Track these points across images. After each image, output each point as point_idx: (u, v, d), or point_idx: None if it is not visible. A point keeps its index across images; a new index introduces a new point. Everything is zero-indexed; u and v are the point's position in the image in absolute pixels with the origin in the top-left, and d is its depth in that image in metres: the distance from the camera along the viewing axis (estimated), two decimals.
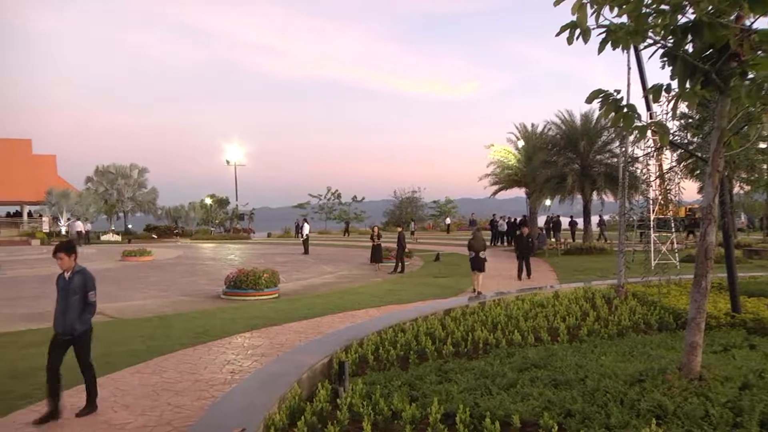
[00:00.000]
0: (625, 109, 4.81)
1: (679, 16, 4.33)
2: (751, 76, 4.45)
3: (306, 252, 31.91)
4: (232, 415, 5.08)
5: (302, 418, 4.93)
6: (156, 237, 53.23)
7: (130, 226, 62.53)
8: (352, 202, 68.41)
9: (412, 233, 45.74)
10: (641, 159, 15.09)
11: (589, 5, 4.34)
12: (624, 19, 4.46)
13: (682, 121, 13.33)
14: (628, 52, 12.04)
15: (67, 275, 6.40)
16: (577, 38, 4.47)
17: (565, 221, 39.51)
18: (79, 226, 46.84)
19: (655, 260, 17.93)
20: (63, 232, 53.17)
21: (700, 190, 19.84)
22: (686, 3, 4.28)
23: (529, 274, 18.86)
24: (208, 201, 67.07)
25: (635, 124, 4.85)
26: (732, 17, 4.32)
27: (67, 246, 6.48)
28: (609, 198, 31.47)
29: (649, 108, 14.57)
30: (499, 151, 36.45)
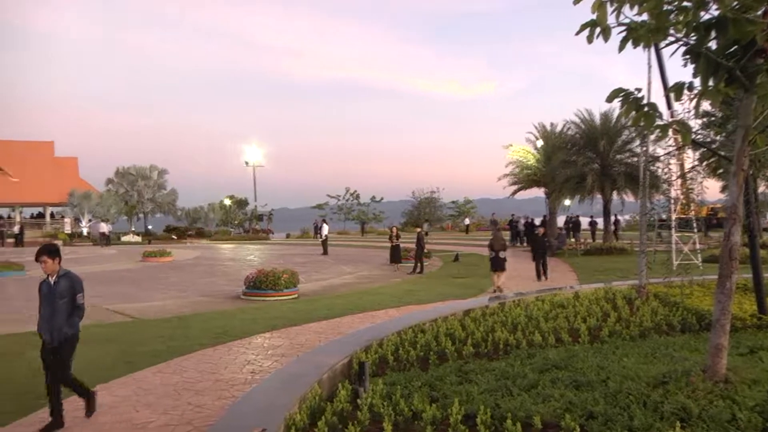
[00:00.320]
0: (646, 108, 4.76)
1: (702, 13, 4.27)
2: None
3: (325, 252, 31.97)
4: (252, 415, 5.10)
5: (323, 418, 4.93)
6: (176, 238, 53.66)
7: (150, 227, 63.06)
8: (371, 203, 68.46)
9: (426, 234, 45.59)
10: (662, 158, 14.94)
11: (609, 3, 4.30)
12: (645, 16, 4.41)
13: (705, 119, 13.16)
14: (648, 50, 11.92)
15: (52, 280, 6.07)
16: (597, 37, 4.42)
17: (584, 221, 39.21)
18: (104, 227, 47.40)
19: (677, 260, 17.73)
20: (84, 233, 53.79)
21: (723, 189, 19.59)
22: None
23: (545, 275, 18.65)
24: (228, 202, 67.45)
25: (656, 123, 4.80)
26: (759, 12, 4.25)
27: (50, 249, 6.17)
28: (629, 198, 31.21)
29: (669, 106, 14.41)
30: (518, 150, 36.25)
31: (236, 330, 10.93)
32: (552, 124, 36.01)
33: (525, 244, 35.28)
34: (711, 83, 4.47)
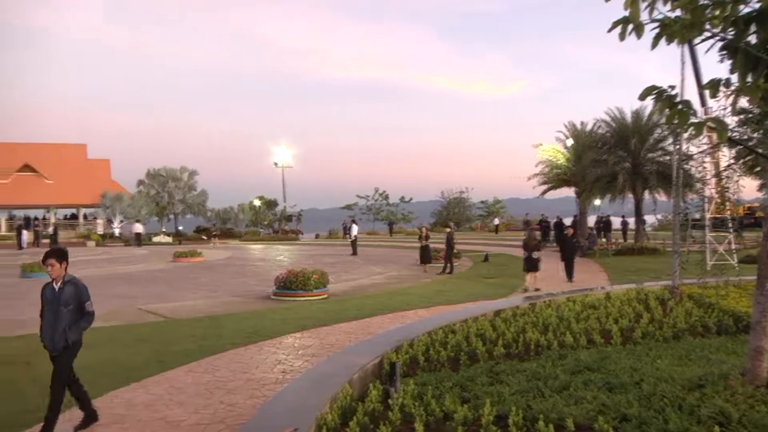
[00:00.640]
0: (680, 106, 4.67)
1: (741, 6, 4.18)
2: None
3: (354, 253, 32.03)
4: (283, 415, 5.13)
5: (354, 418, 4.94)
6: (206, 238, 54.20)
7: (180, 228, 63.79)
8: (400, 203, 68.46)
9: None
10: (696, 156, 14.66)
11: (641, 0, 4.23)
12: (679, 12, 4.33)
13: (742, 116, 12.87)
14: (682, 47, 11.72)
15: (56, 285, 5.82)
16: (630, 34, 4.35)
17: (616, 221, 38.70)
18: (138, 227, 48.10)
19: (711, 261, 17.41)
20: (116, 233, 54.61)
21: (761, 188, 19.16)
22: None
23: (570, 276, 18.28)
24: (257, 203, 67.94)
25: (691, 121, 4.71)
26: None
27: (59, 252, 5.95)
28: (662, 197, 30.73)
29: (704, 103, 14.16)
30: (548, 150, 35.93)
31: (267, 330, 11.01)
32: (582, 123, 35.65)
33: (554, 244, 34.95)
34: (750, 79, 4.37)
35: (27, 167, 58.48)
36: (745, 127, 12.80)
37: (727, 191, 15.13)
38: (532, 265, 16.19)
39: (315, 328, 11.16)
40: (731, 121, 12.54)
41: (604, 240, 32.98)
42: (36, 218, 58.80)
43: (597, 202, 38.55)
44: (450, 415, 5.03)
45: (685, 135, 12.43)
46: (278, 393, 6.25)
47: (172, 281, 20.75)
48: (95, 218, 60.04)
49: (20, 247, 41.31)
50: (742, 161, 14.66)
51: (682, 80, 12.18)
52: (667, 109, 4.72)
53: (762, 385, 4.94)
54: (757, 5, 4.14)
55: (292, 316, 12.50)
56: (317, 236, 61.95)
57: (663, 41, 4.45)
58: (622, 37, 4.42)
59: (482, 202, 69.02)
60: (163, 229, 60.50)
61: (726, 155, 16.76)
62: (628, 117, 32.21)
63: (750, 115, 12.57)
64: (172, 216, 63.36)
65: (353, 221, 37.70)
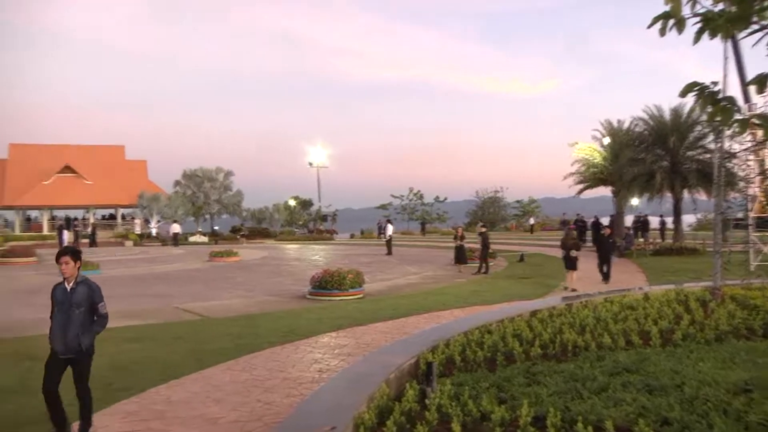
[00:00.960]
0: (724, 102, 4.56)
1: None
2: None
3: (389, 253, 32.06)
4: (321, 413, 5.15)
5: (391, 417, 4.94)
6: (238, 238, 54.76)
7: (216, 228, 64.57)
8: (434, 203, 68.37)
9: (480, 234, 44.91)
10: (739, 154, 14.31)
11: None
12: (721, 5, 4.23)
13: None
14: (726, 42, 11.45)
15: (68, 286, 5.61)
16: (671, 29, 4.27)
17: (654, 220, 38.03)
18: (176, 227, 48.88)
19: (755, 261, 17.01)
20: (153, 233, 55.52)
21: None
22: None
23: (607, 278, 17.92)
24: (292, 203, 68.44)
25: (735, 118, 4.60)
26: None
27: (73, 250, 5.77)
28: (702, 196, 30.12)
29: (747, 99, 13.80)
30: (584, 149, 35.52)
31: (303, 329, 11.08)
32: (619, 121, 35.15)
33: (591, 244, 34.48)
34: None
35: (67, 168, 59.88)
36: None
37: None
38: (569, 264, 16.28)
39: (350, 327, 11.20)
40: None
41: (641, 240, 32.45)
42: (76, 218, 60.14)
43: (634, 201, 37.96)
44: (487, 416, 4.99)
45: (728, 132, 12.15)
46: (315, 392, 6.28)
47: (209, 280, 21.03)
48: (133, 218, 61.20)
49: (61, 246, 42.30)
50: None
51: (725, 76, 11.90)
52: (709, 106, 4.61)
53: None
54: None
55: (328, 316, 12.57)
56: (352, 236, 62.16)
57: (705, 36, 4.36)
58: (662, 32, 4.34)
59: (517, 201, 68.57)
60: (199, 229, 61.32)
61: None
62: (667, 114, 31.64)
63: None
64: (208, 216, 64.18)
65: (388, 221, 37.75)
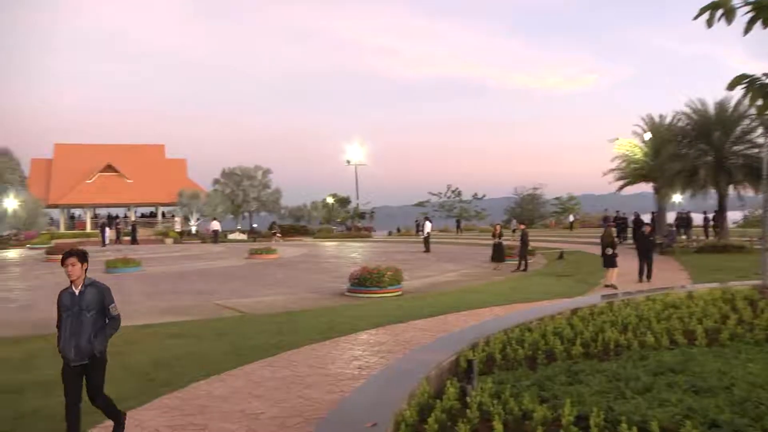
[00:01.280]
0: None
1: None
2: None
3: (427, 250, 32.00)
4: (362, 410, 5.17)
5: (432, 415, 4.93)
6: (281, 236, 55.29)
7: (255, 226, 65.30)
8: (472, 200, 68.06)
9: (513, 231, 44.61)
10: None
11: None
12: None
13: None
14: None
15: (76, 290, 5.27)
16: (719, 20, 4.15)
17: (698, 217, 37.24)
18: (216, 225, 49.61)
19: None
20: (193, 231, 56.41)
21: None
22: None
23: (650, 276, 17.71)
24: (330, 200, 68.81)
25: None
26: None
27: (80, 252, 5.40)
28: (748, 192, 29.39)
29: None
30: (624, 144, 34.96)
31: (342, 326, 11.13)
32: (661, 116, 34.49)
33: (632, 242, 33.91)
34: None
35: (109, 167, 61.25)
36: None
37: None
38: (607, 261, 16.14)
39: (390, 324, 11.22)
40: None
41: (684, 237, 31.77)
42: (117, 216, 61.49)
43: (677, 197, 37.22)
44: (529, 415, 4.95)
45: None
46: (356, 388, 6.30)
47: (248, 277, 21.27)
48: (173, 216, 62.29)
49: (104, 243, 43.37)
50: None
51: None
52: (760, 99, 4.48)
53: None
54: None
55: (367, 313, 12.61)
56: (390, 233, 62.25)
57: (757, 26, 4.22)
58: (709, 23, 4.22)
59: (556, 198, 67.84)
60: (239, 227, 62.09)
61: None
62: (711, 108, 30.92)
63: None
64: (246, 214, 64.94)
65: (426, 218, 37.69)
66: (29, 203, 48.30)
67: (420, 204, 68.12)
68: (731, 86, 4.54)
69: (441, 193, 67.76)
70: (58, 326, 5.31)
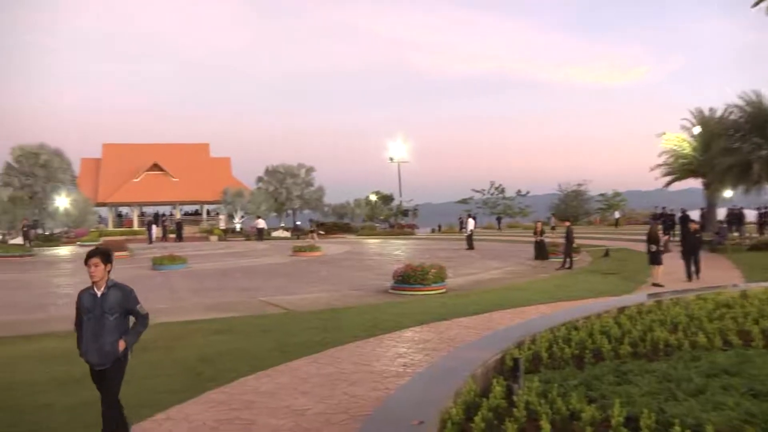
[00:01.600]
0: None
1: None
2: None
3: (470, 247, 31.82)
4: (407, 407, 5.17)
5: (479, 413, 4.90)
6: (323, 233, 55.57)
7: (298, 223, 65.81)
8: (516, 197, 67.39)
9: (553, 228, 43.95)
10: None
11: None
12: None
13: None
14: None
15: (98, 291, 5.06)
16: None
17: (750, 214, 36.16)
18: (261, 223, 50.21)
19: None
20: (238, 229, 57.18)
21: None
22: None
23: (698, 273, 17.38)
24: (373, 197, 68.92)
25: None
26: None
27: (104, 251, 5.18)
28: None
29: None
30: (672, 139, 34.15)
31: (386, 323, 11.15)
32: (711, 109, 33.58)
33: (677, 239, 33.15)
34: None
35: (155, 166, 62.53)
36: None
37: None
38: (653, 258, 16.08)
39: (434, 322, 11.20)
40: None
41: (736, 234, 30.89)
42: (163, 214, 62.72)
43: (728, 193, 36.22)
44: (577, 415, 4.88)
45: None
46: (401, 386, 6.31)
47: (292, 275, 21.46)
48: (217, 214, 63.27)
49: (150, 241, 44.38)
50: None
51: None
52: None
53: None
54: None
55: (411, 311, 12.60)
56: (433, 231, 62.08)
57: None
58: None
59: (601, 194, 66.61)
60: (282, 225, 62.68)
61: None
62: (766, 101, 29.93)
63: None
64: (290, 211, 65.49)
65: (469, 215, 37.51)
66: (79, 202, 49.63)
67: (463, 201, 67.69)
68: None
69: (484, 190, 67.28)
70: (77, 327, 5.18)
